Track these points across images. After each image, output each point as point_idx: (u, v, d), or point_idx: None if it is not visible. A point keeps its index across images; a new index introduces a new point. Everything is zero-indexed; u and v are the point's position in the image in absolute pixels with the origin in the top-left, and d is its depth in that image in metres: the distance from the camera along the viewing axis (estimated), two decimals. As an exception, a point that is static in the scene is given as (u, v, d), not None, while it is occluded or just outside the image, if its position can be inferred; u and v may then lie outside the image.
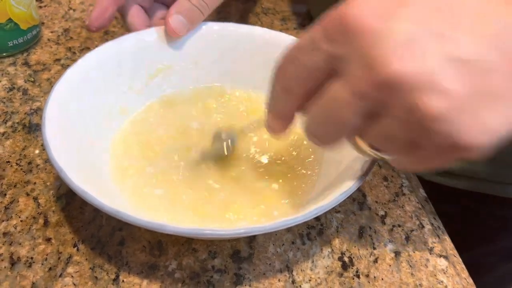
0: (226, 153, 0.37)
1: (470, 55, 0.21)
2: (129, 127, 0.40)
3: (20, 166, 0.39)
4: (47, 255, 0.33)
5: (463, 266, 0.35)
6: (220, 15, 0.58)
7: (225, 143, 0.37)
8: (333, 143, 0.26)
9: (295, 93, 0.26)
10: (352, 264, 0.34)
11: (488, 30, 0.22)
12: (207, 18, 0.41)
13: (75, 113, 0.35)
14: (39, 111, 0.44)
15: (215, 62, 0.43)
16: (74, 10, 0.58)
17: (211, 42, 0.42)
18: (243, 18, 0.60)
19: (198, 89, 0.44)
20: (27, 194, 0.36)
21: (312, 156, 0.38)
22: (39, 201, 0.36)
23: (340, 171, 0.34)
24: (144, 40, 0.40)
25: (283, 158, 0.38)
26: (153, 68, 0.42)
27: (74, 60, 0.50)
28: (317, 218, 0.36)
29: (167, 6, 0.42)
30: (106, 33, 0.54)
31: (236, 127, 0.37)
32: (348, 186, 0.29)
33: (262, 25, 0.56)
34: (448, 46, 0.21)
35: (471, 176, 0.52)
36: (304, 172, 0.37)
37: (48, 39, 0.53)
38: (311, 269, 0.33)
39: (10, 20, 0.47)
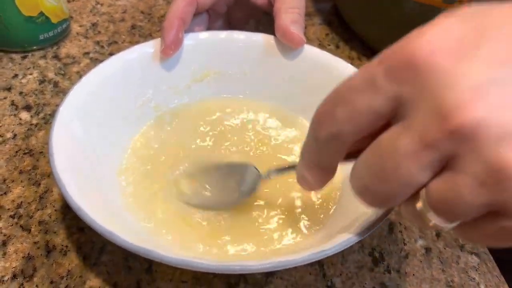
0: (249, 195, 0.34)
1: None
2: (136, 148, 0.38)
3: (53, 156, 0.39)
4: (81, 243, 0.33)
5: (495, 263, 0.34)
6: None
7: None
8: (392, 204, 0.22)
9: (344, 141, 0.22)
10: (383, 259, 0.34)
11: None
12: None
13: (82, 135, 0.34)
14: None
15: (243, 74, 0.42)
16: (101, 4, 0.59)
17: (237, 52, 0.42)
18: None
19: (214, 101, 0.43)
20: (61, 184, 0.37)
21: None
22: (72, 191, 0.37)
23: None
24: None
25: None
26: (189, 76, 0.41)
27: (103, 54, 0.51)
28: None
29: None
30: (133, 28, 0.55)
31: (265, 168, 0.34)
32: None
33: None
34: None
35: None
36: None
37: (77, 33, 0.53)
38: (342, 263, 0.33)
39: (41, 13, 0.47)
